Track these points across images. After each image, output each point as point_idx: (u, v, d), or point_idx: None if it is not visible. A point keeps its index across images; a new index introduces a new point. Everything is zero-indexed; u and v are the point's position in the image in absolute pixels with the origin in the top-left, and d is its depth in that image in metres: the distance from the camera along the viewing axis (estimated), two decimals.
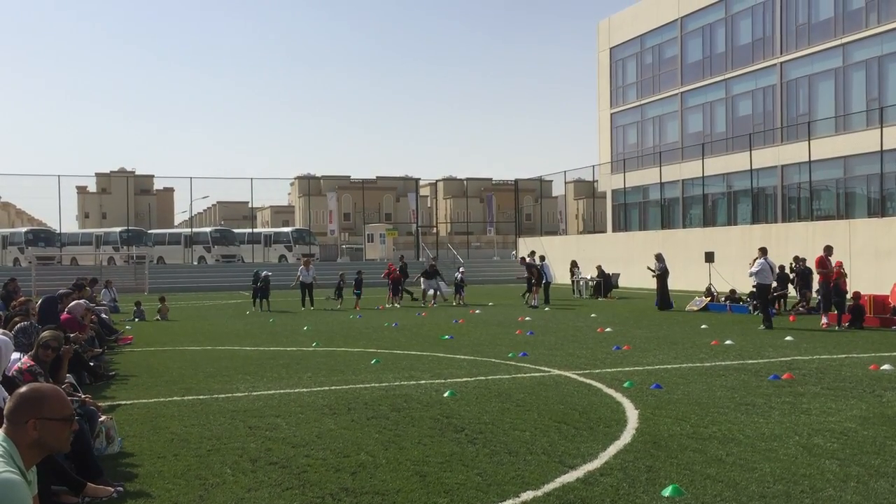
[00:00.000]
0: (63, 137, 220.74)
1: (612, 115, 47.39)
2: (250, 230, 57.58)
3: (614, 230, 45.83)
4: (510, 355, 13.49)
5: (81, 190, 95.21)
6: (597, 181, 48.94)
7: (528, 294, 27.37)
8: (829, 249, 18.71)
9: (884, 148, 28.86)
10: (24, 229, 57.37)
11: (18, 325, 9.82)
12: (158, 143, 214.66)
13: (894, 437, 7.30)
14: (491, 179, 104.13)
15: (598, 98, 48.82)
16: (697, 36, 40.84)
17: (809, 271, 22.40)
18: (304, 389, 10.37)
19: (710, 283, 25.70)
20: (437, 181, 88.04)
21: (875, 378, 10.66)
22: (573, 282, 33.17)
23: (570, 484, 5.95)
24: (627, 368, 11.85)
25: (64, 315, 12.25)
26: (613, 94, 47.31)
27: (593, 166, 48.24)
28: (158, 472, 6.49)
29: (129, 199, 59.88)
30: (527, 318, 21.38)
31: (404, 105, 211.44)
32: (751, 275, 18.85)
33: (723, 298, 23.72)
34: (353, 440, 7.47)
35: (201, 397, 9.93)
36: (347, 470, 6.45)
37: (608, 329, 17.96)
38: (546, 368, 11.93)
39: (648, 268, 25.64)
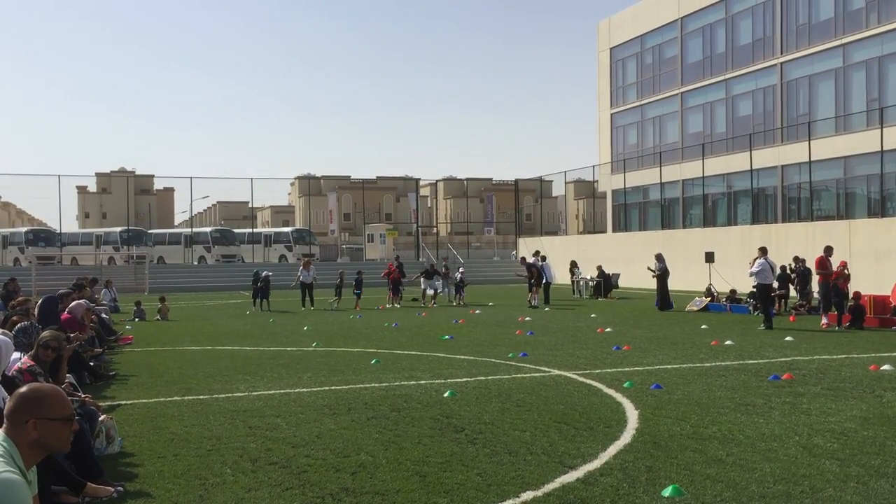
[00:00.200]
0: (63, 137, 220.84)
1: (612, 115, 47.39)
2: (250, 230, 57.58)
3: (614, 230, 45.83)
4: (510, 355, 13.49)
5: (82, 190, 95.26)
6: (597, 181, 48.93)
7: (528, 294, 27.35)
8: (829, 250, 18.72)
9: (884, 148, 28.85)
10: (24, 229, 57.39)
11: (19, 325, 9.81)
12: (158, 143, 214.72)
13: (894, 438, 7.30)
14: (491, 179, 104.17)
15: (599, 98, 48.82)
16: (698, 36, 40.84)
17: (809, 272, 22.40)
18: (305, 389, 10.37)
19: (711, 284, 25.70)
20: (437, 181, 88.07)
21: (875, 378, 10.66)
22: (573, 282, 33.16)
23: (570, 484, 5.96)
24: (627, 369, 11.85)
25: (64, 315, 12.25)
26: (613, 94, 47.31)
27: (593, 166, 48.25)
28: (158, 472, 6.49)
29: (130, 198, 59.88)
30: (527, 319, 21.38)
31: (404, 105, 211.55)
32: (751, 275, 18.85)
33: (723, 299, 23.72)
34: (353, 440, 7.48)
35: (201, 397, 9.93)
36: (347, 470, 6.45)
37: (608, 329, 17.96)
38: (546, 369, 11.93)
39: (649, 268, 25.64)
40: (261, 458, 6.86)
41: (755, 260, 18.80)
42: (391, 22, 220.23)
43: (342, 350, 14.80)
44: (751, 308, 21.86)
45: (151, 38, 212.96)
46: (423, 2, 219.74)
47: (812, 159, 32.00)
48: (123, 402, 9.67)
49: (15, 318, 10.32)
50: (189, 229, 57.64)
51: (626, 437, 7.41)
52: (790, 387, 10.05)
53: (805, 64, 34.73)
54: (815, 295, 20.81)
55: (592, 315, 22.32)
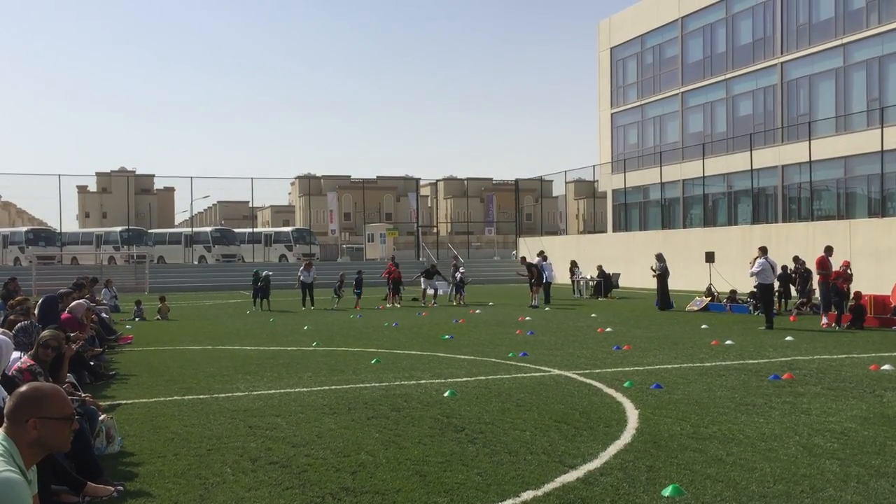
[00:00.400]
0: (63, 137, 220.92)
1: (612, 114, 47.38)
2: (251, 230, 57.57)
3: (615, 230, 45.82)
4: (510, 355, 13.49)
5: (82, 189, 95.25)
6: (597, 181, 48.93)
7: (530, 294, 27.30)
8: (829, 250, 18.72)
9: (884, 148, 28.84)
10: (24, 229, 57.41)
11: (19, 325, 9.82)
12: (159, 143, 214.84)
13: (894, 438, 7.30)
14: (491, 179, 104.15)
15: (599, 98, 48.81)
16: (698, 36, 40.83)
17: (809, 273, 22.40)
18: (305, 389, 10.37)
19: (711, 283, 25.70)
20: (437, 181, 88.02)
21: (875, 378, 10.66)
22: (573, 282, 33.15)
23: (570, 484, 5.95)
24: (628, 368, 11.85)
25: (64, 314, 12.25)
26: (614, 93, 47.30)
27: (594, 166, 48.25)
28: (158, 472, 6.49)
29: (130, 198, 59.82)
30: (527, 318, 21.38)
31: (404, 105, 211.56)
32: (752, 275, 18.82)
33: (724, 299, 23.71)
34: (354, 440, 7.47)
35: (201, 397, 9.93)
36: (347, 469, 6.45)
37: (608, 329, 17.96)
38: (546, 368, 11.93)
39: (651, 268, 25.60)
40: (261, 458, 6.86)
41: (755, 259, 18.78)
42: (391, 22, 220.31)
43: (342, 350, 14.80)
44: (751, 308, 21.85)
45: (151, 38, 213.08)
46: (423, 2, 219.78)
47: (812, 159, 32.00)
48: (123, 402, 9.67)
49: (12, 317, 10.33)
50: (189, 229, 57.64)
51: (627, 437, 7.41)
52: (790, 386, 10.05)
53: (805, 64, 34.73)
54: (816, 295, 20.81)
55: (593, 315, 22.32)
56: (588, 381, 10.73)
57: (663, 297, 24.05)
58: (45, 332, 7.75)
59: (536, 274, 27.18)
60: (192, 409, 9.15)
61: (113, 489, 5.95)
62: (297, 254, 52.85)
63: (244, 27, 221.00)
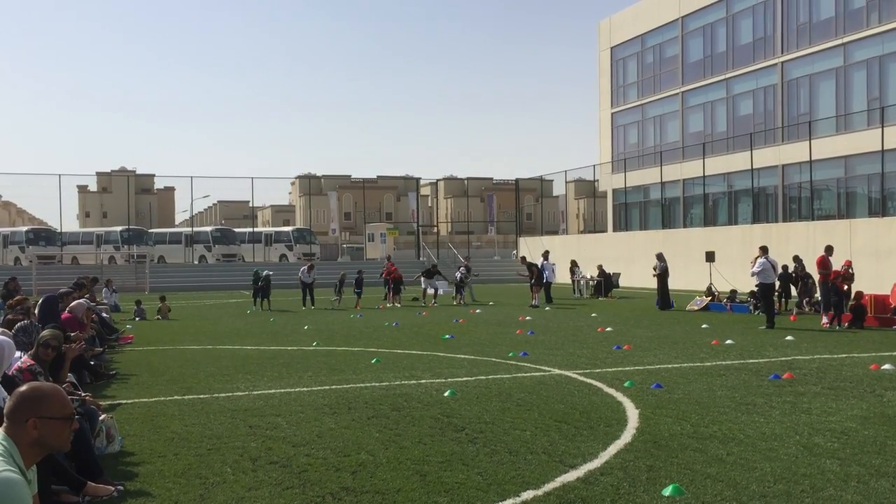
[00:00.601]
0: (64, 137, 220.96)
1: (612, 114, 47.35)
2: (251, 229, 57.54)
3: (615, 230, 45.81)
4: (511, 355, 13.48)
5: (82, 189, 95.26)
6: (597, 181, 48.91)
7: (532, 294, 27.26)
8: (829, 249, 18.72)
9: (885, 147, 28.82)
10: (24, 228, 57.38)
11: (19, 324, 9.82)
12: (159, 143, 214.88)
13: (895, 437, 7.30)
14: (492, 179, 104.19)
15: (599, 98, 48.79)
16: (698, 35, 40.81)
17: (808, 276, 22.41)
18: (305, 389, 10.37)
19: (711, 283, 25.69)
20: (437, 181, 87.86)
21: (876, 378, 10.66)
22: (573, 281, 33.14)
23: (570, 483, 5.95)
24: (628, 368, 11.85)
25: (65, 314, 12.25)
26: (614, 93, 47.28)
27: (594, 166, 48.24)
28: (159, 472, 6.49)
29: (130, 198, 59.83)
30: (527, 318, 21.37)
31: (405, 105, 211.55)
32: (753, 275, 18.80)
33: (724, 299, 23.70)
34: (354, 439, 7.47)
35: (202, 396, 9.93)
36: (348, 469, 6.45)
37: (609, 329, 17.96)
38: (546, 368, 11.92)
39: (654, 268, 25.54)
40: (261, 458, 6.86)
41: (756, 259, 18.77)
42: (391, 22, 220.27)
43: (343, 349, 14.79)
44: (751, 307, 21.85)
45: (152, 38, 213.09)
46: (423, 2, 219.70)
47: (813, 159, 31.98)
48: (124, 402, 9.67)
49: (10, 316, 10.34)
50: (189, 229, 57.62)
51: (627, 437, 7.40)
52: (791, 386, 10.04)
53: (806, 63, 34.71)
54: (816, 295, 20.81)
55: (593, 314, 22.31)
56: (588, 380, 10.73)
57: (663, 296, 24.04)
58: (45, 332, 7.75)
59: (537, 274, 27.19)
60: (192, 408, 9.15)
61: (113, 489, 5.95)
62: (298, 253, 52.83)
63: (244, 27, 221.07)
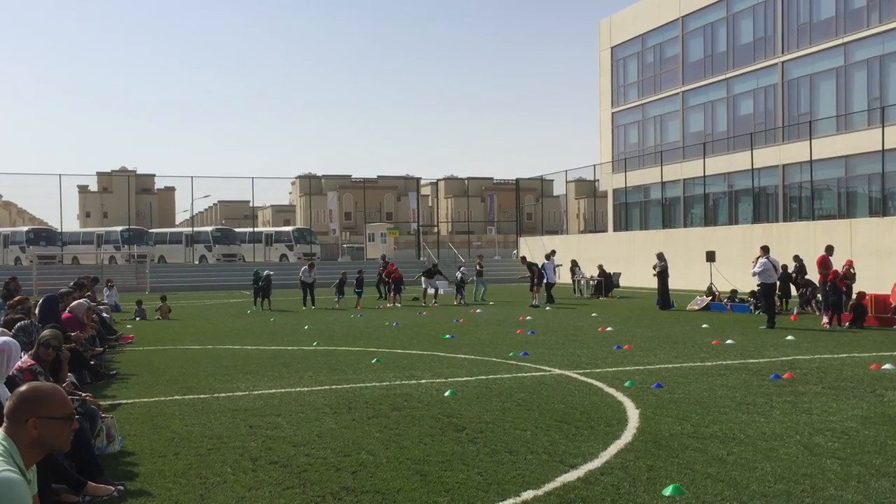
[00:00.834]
0: (64, 137, 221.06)
1: (613, 114, 47.35)
2: (251, 229, 57.55)
3: (615, 230, 45.81)
4: (511, 354, 13.48)
5: (83, 189, 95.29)
6: (598, 180, 48.92)
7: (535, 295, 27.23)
8: (829, 249, 18.71)
9: (885, 147, 28.82)
10: (25, 228, 57.38)
11: (19, 324, 9.82)
12: (159, 143, 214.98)
13: (895, 437, 7.29)
14: (492, 179, 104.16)
15: (600, 97, 48.78)
16: (699, 35, 40.80)
17: (809, 282, 22.40)
18: (305, 388, 10.37)
19: (712, 283, 25.68)
20: (438, 180, 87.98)
21: (876, 377, 10.65)
22: (574, 281, 33.15)
23: (570, 483, 5.95)
24: (628, 368, 11.85)
25: (65, 314, 12.25)
26: (614, 93, 47.27)
27: (594, 166, 48.23)
28: (159, 471, 6.49)
29: (131, 198, 59.90)
30: (528, 318, 21.37)
31: (405, 105, 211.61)
32: (754, 275, 18.78)
33: (724, 298, 23.70)
34: (354, 439, 7.47)
35: (202, 396, 9.93)
36: (348, 469, 6.45)
37: (609, 328, 17.95)
38: (547, 368, 11.92)
39: (654, 267, 25.54)
40: (261, 457, 6.86)
41: (757, 259, 18.76)
42: (391, 22, 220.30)
43: (343, 349, 14.79)
44: (751, 307, 21.84)
45: (152, 38, 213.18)
46: (424, 2, 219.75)
47: (813, 158, 31.98)
48: (124, 402, 9.67)
49: (10, 316, 10.34)
50: (190, 228, 57.61)
51: (627, 437, 7.40)
52: (791, 386, 10.04)
53: (806, 63, 34.70)
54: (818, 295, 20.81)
55: (593, 314, 22.31)
56: (589, 380, 10.73)
57: (663, 296, 24.02)
58: (46, 332, 7.75)
59: (537, 274, 27.20)
60: (192, 408, 9.15)
61: (113, 489, 5.95)
62: (298, 253, 52.84)
63: (244, 27, 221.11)
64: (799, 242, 28.37)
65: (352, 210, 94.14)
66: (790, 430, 7.57)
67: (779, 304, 21.84)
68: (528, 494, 5.70)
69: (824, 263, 18.35)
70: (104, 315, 17.19)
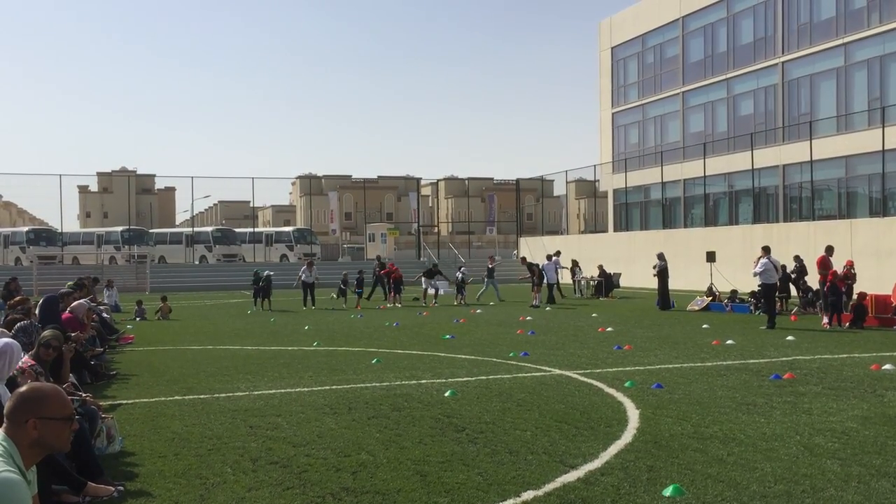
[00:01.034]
0: (64, 137, 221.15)
1: (613, 114, 47.35)
2: (252, 230, 57.57)
3: (616, 230, 45.80)
4: (511, 355, 13.48)
5: (83, 189, 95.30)
6: (598, 181, 48.91)
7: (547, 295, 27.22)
8: (829, 249, 18.71)
9: (885, 147, 28.82)
10: (25, 229, 57.43)
11: (19, 324, 9.82)
12: (160, 143, 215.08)
13: (895, 438, 7.30)
14: (492, 179, 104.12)
15: (600, 98, 48.78)
16: (699, 35, 40.80)
17: (809, 288, 22.40)
18: (305, 389, 10.37)
19: (712, 283, 25.68)
20: (438, 181, 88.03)
21: (876, 378, 10.65)
22: (574, 281, 33.15)
23: (570, 483, 5.95)
24: (628, 368, 11.85)
25: (65, 314, 12.25)
26: (615, 93, 47.27)
27: (595, 166, 48.22)
28: (159, 472, 6.49)
29: (131, 198, 59.91)
30: (528, 318, 21.37)
31: (405, 105, 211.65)
32: (755, 275, 18.78)
33: (725, 299, 23.69)
34: (354, 440, 7.47)
35: (202, 397, 9.93)
36: (348, 469, 6.45)
37: (609, 329, 17.95)
38: (547, 368, 11.92)
39: (653, 266, 25.53)
40: (261, 458, 6.86)
41: (759, 259, 18.75)
42: (391, 22, 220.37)
43: (343, 349, 14.79)
44: (752, 308, 21.84)
45: (153, 38, 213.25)
46: (424, 2, 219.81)
47: (813, 159, 31.98)
48: (124, 402, 9.67)
49: (10, 316, 10.34)
50: (190, 229, 57.63)
51: (627, 437, 7.40)
52: (791, 386, 10.04)
53: (806, 63, 34.69)
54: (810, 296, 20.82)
55: (593, 315, 22.31)
56: (589, 380, 10.72)
57: (663, 296, 24.01)
58: (46, 332, 7.76)
59: (537, 274, 27.21)
60: (192, 408, 9.15)
61: (113, 489, 5.95)
62: (298, 254, 52.85)
63: (244, 27, 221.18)
64: (799, 243, 28.36)
65: (352, 210, 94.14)
66: (790, 431, 7.57)
67: (779, 304, 21.85)
68: (529, 495, 5.70)
69: (824, 264, 18.35)
70: (104, 315, 17.19)
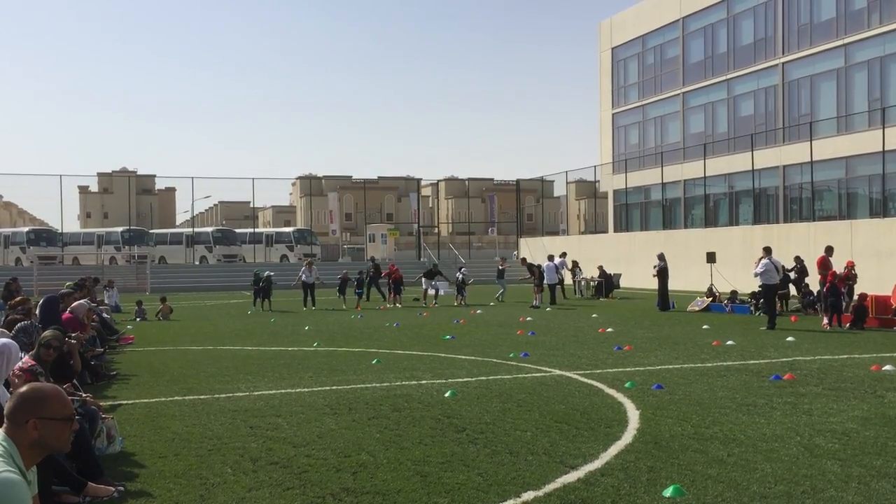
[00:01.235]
0: (65, 137, 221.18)
1: (613, 115, 47.35)
2: (252, 230, 57.59)
3: (616, 230, 45.80)
4: (511, 355, 13.48)
5: (83, 190, 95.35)
6: (598, 181, 48.90)
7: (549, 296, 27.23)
8: (829, 250, 18.71)
9: (886, 148, 28.81)
10: (25, 229, 57.46)
11: (19, 325, 9.82)
12: (160, 143, 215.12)
13: (895, 438, 7.29)
14: (492, 180, 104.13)
15: (600, 98, 48.79)
16: (699, 36, 40.80)
17: (809, 292, 22.41)
18: (305, 389, 10.37)
19: (712, 284, 25.67)
20: (438, 181, 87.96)
21: (877, 379, 10.65)
22: (574, 282, 33.16)
23: (571, 484, 5.95)
24: (629, 369, 11.85)
25: (66, 314, 12.26)
26: (615, 94, 47.27)
27: (595, 166, 48.22)
28: (159, 472, 6.49)
29: (131, 198, 59.84)
30: (528, 319, 21.37)
31: (406, 105, 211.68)
32: (756, 275, 18.78)
33: (725, 299, 23.68)
34: (354, 440, 7.47)
35: (202, 397, 9.93)
36: (348, 470, 6.45)
37: (609, 329, 17.95)
38: (547, 369, 11.92)
39: (654, 266, 25.52)
40: (262, 458, 6.86)
41: (760, 260, 18.75)
42: (392, 22, 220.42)
43: (343, 350, 14.79)
44: (752, 308, 21.84)
45: (153, 38, 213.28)
46: (424, 2, 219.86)
47: (814, 159, 31.97)
48: (124, 402, 9.67)
49: (11, 316, 10.34)
50: (190, 229, 57.67)
51: (628, 438, 7.40)
52: (792, 387, 10.04)
53: (807, 64, 34.69)
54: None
55: (594, 315, 22.31)
56: (589, 381, 10.72)
57: (663, 297, 23.99)
58: (47, 333, 7.76)
59: (538, 274, 27.22)
60: (192, 409, 9.15)
61: (114, 489, 5.95)
62: (299, 254, 52.88)
63: (244, 27, 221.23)
64: (799, 243, 28.36)
65: (352, 211, 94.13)
66: (790, 432, 7.57)
67: (779, 305, 21.84)
68: (529, 495, 5.70)
69: (824, 264, 18.35)
70: (105, 316, 17.20)
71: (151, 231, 61.02)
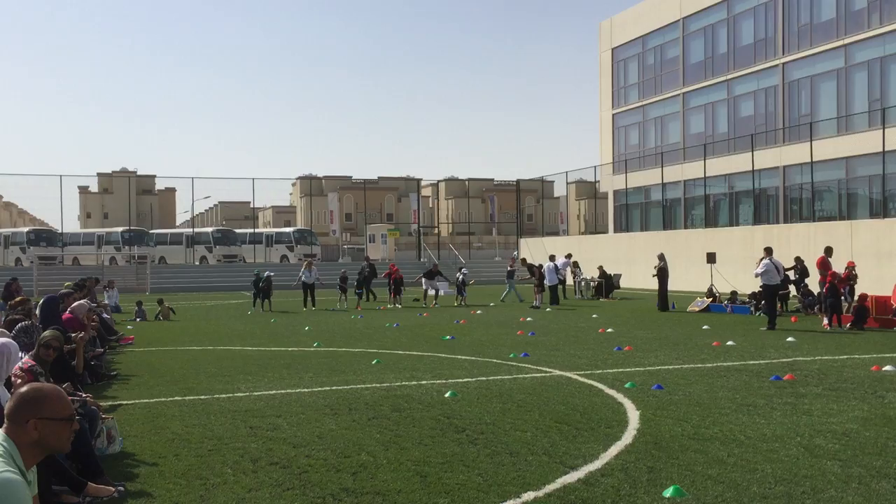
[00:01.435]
0: (65, 137, 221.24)
1: (613, 115, 47.35)
2: (252, 230, 57.60)
3: (616, 231, 45.81)
4: (511, 356, 13.48)
5: (83, 190, 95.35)
6: (598, 182, 48.91)
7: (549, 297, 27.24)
8: (829, 251, 18.71)
9: (886, 149, 28.82)
10: (25, 229, 57.47)
11: (19, 325, 9.82)
12: (160, 144, 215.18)
13: None
14: (493, 180, 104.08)
15: (600, 98, 48.79)
16: (699, 36, 40.80)
17: (810, 293, 22.39)
18: (306, 390, 10.37)
19: (712, 284, 25.67)
20: (438, 182, 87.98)
21: (877, 379, 10.65)
22: (575, 282, 33.16)
23: (571, 485, 5.95)
24: (629, 369, 11.84)
25: (66, 315, 12.25)
26: (615, 94, 47.27)
27: (595, 167, 48.22)
28: (159, 472, 6.49)
29: (131, 199, 59.88)
30: (528, 319, 21.37)
31: (406, 105, 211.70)
32: (756, 275, 18.78)
33: (725, 300, 23.68)
34: (354, 440, 7.47)
35: (202, 397, 9.93)
36: (348, 470, 6.45)
37: (609, 330, 17.95)
38: (547, 369, 11.92)
39: (654, 266, 25.52)
40: (262, 459, 6.86)
41: (761, 260, 18.75)
42: (391, 22, 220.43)
43: (343, 350, 14.79)
44: (752, 309, 21.83)
45: (153, 38, 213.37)
46: (424, 2, 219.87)
47: (814, 160, 31.98)
48: (124, 402, 9.67)
49: (11, 316, 10.34)
50: (190, 229, 57.69)
51: (628, 438, 7.40)
52: (792, 387, 10.03)
53: (807, 64, 34.69)
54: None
55: (594, 315, 22.31)
56: (589, 381, 10.72)
57: (663, 298, 23.98)
58: (47, 333, 7.77)
59: (538, 275, 27.22)
60: (193, 409, 9.15)
61: (114, 489, 5.95)
62: (299, 254, 52.90)
63: (244, 27, 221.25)
64: (799, 244, 28.36)
65: (352, 211, 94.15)
66: (791, 432, 7.56)
67: (779, 305, 21.83)
68: (529, 496, 5.70)
69: (824, 265, 18.35)
70: (105, 316, 17.20)
71: (151, 231, 61.03)
